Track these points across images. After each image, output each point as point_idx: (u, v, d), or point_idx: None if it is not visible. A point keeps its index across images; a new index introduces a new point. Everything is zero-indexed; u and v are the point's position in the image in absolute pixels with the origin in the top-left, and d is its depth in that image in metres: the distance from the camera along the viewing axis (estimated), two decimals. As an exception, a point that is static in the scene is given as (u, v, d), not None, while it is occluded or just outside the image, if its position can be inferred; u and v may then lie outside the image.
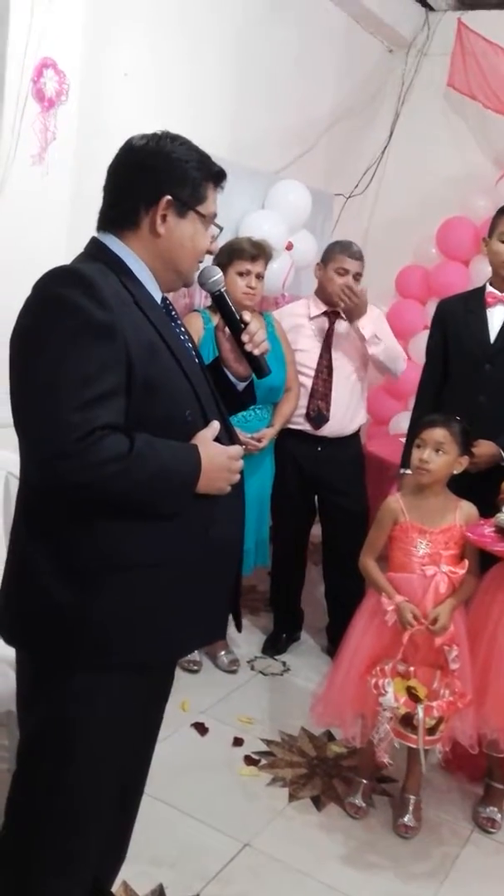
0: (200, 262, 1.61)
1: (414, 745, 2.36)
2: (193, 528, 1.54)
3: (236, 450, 1.59)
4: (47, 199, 2.67)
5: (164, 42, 3.22)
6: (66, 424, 1.34)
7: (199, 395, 1.57)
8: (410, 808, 2.52)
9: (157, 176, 1.51)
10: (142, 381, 1.44)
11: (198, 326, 3.00)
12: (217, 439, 1.57)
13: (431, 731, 2.34)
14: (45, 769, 1.56)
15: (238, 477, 1.59)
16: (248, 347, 1.69)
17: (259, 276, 3.04)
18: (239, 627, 1.93)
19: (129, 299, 1.48)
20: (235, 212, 3.54)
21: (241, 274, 3.00)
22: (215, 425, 1.57)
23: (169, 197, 1.50)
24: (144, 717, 1.73)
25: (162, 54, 3.22)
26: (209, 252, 1.61)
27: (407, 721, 2.32)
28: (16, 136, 2.56)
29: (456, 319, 3.05)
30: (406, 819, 2.50)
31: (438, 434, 2.43)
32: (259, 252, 3.03)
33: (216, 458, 1.53)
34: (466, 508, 2.50)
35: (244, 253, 3.00)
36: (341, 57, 4.38)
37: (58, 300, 1.41)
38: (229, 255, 3.01)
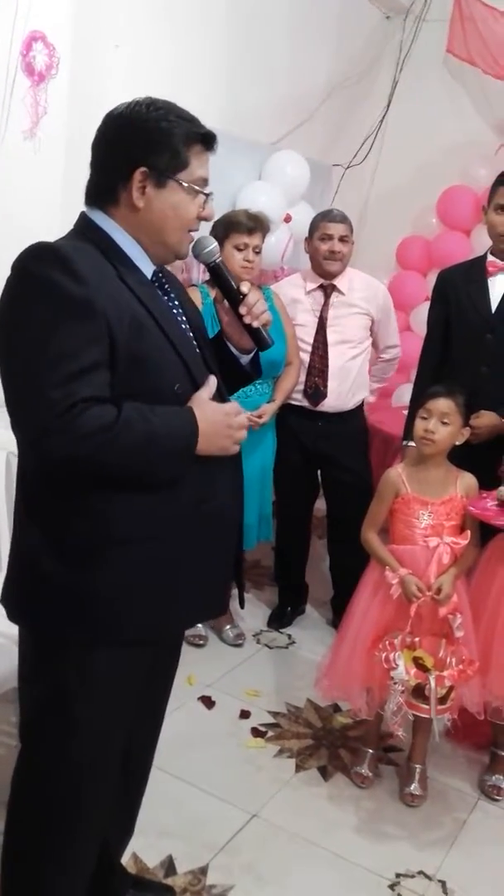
0: (193, 231, 1.56)
1: (426, 716, 2.36)
2: (189, 501, 1.52)
3: (233, 406, 1.55)
4: (40, 174, 2.65)
5: (156, 12, 3.16)
6: (47, 401, 1.33)
7: (192, 370, 1.54)
8: (417, 776, 2.54)
9: (131, 147, 1.47)
10: (126, 355, 1.42)
11: (196, 302, 2.97)
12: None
13: (442, 700, 2.35)
14: (48, 744, 1.57)
15: (243, 434, 1.56)
16: (247, 319, 1.64)
17: (256, 250, 3.00)
18: (242, 603, 1.93)
19: (112, 274, 1.45)
20: (232, 184, 3.50)
21: (238, 248, 2.96)
22: (212, 382, 1.54)
23: (143, 168, 1.46)
24: (148, 691, 1.73)
25: (154, 25, 3.17)
26: (203, 219, 1.56)
27: (418, 692, 2.33)
28: (6, 112, 2.54)
29: (457, 289, 3.02)
30: (412, 788, 2.52)
31: (443, 405, 2.42)
32: (256, 225, 2.99)
33: (213, 417, 1.50)
34: (467, 479, 2.49)
35: (240, 226, 2.96)
36: (338, 24, 4.31)
37: (34, 278, 1.39)
38: (225, 229, 2.97)
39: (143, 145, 1.47)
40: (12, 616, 1.59)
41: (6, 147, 2.56)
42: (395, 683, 2.33)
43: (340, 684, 2.51)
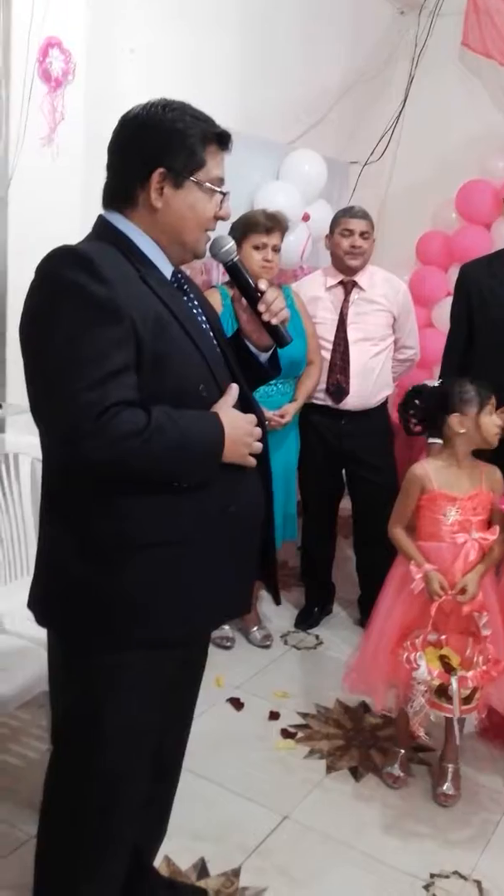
0: (210, 230, 1.57)
1: (450, 715, 2.35)
2: (215, 504, 1.52)
3: (253, 417, 1.56)
4: (59, 180, 2.65)
5: (170, 16, 3.17)
6: (80, 405, 1.34)
7: (214, 370, 1.55)
8: (449, 776, 2.51)
9: (147, 148, 1.47)
10: (151, 356, 1.42)
11: (216, 303, 2.98)
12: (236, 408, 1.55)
13: (467, 699, 2.33)
14: (78, 748, 1.57)
15: (260, 445, 1.57)
16: (266, 317, 1.64)
17: (275, 249, 3.00)
18: (277, 600, 1.93)
19: (133, 275, 1.46)
20: (249, 184, 3.50)
21: (256, 248, 2.96)
22: (234, 390, 1.55)
23: (161, 169, 1.47)
24: (176, 693, 1.73)
25: (168, 28, 3.17)
26: (220, 218, 1.56)
27: (442, 691, 2.31)
28: (24, 118, 2.55)
29: (479, 284, 3.00)
30: (445, 787, 2.49)
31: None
32: (274, 224, 2.99)
33: (237, 424, 1.51)
34: (491, 473, 2.47)
35: (259, 226, 2.96)
36: (352, 21, 4.29)
37: (59, 281, 1.40)
38: (244, 229, 2.97)
39: (159, 146, 1.47)
40: (41, 620, 1.59)
41: (24, 154, 2.57)
42: (417, 683, 2.30)
43: (366, 681, 2.50)
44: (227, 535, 1.55)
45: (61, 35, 2.60)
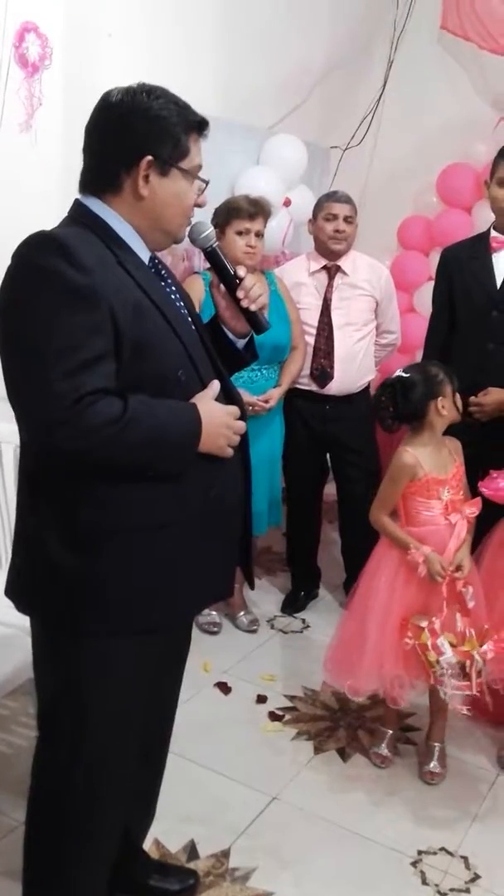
0: (189, 217, 1.57)
1: (468, 692, 2.32)
2: (195, 489, 1.53)
3: (235, 409, 1.57)
4: (37, 166, 2.63)
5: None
6: (54, 394, 1.33)
7: (192, 355, 1.55)
8: (436, 754, 2.54)
9: (135, 135, 1.46)
10: (130, 342, 1.42)
11: (199, 289, 2.97)
12: (217, 401, 1.55)
13: (478, 674, 2.33)
14: (64, 734, 1.58)
15: (238, 438, 1.57)
16: (245, 303, 1.65)
17: (259, 235, 3.00)
18: (251, 585, 1.94)
19: (111, 260, 1.45)
20: (230, 169, 3.48)
21: (239, 233, 2.96)
22: (215, 385, 1.55)
23: (149, 157, 1.46)
24: (161, 677, 1.74)
25: (146, 12, 3.14)
26: (198, 206, 1.57)
27: (459, 670, 2.31)
28: (1, 104, 2.52)
29: (461, 267, 3.00)
30: (432, 766, 2.52)
31: None
32: (257, 210, 2.98)
33: (216, 415, 1.52)
34: (453, 443, 2.51)
35: (242, 211, 2.95)
36: (331, 5, 4.26)
37: (36, 268, 1.39)
38: (227, 215, 2.97)
39: (146, 134, 1.47)
40: (21, 608, 1.59)
41: (2, 140, 2.55)
42: (443, 669, 2.28)
43: (373, 676, 2.42)
44: (208, 518, 1.56)
45: (37, 19, 2.58)
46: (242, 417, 1.60)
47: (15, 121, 2.58)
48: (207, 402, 1.52)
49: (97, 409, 1.35)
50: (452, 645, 2.31)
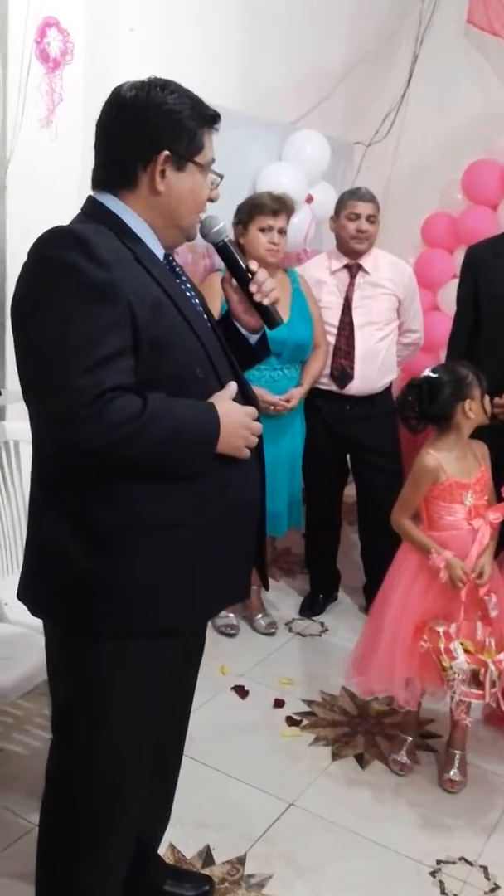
0: (202, 213, 1.56)
1: (481, 701, 2.30)
2: (211, 489, 1.50)
3: (253, 410, 1.55)
4: (57, 162, 2.61)
5: (170, -6, 3.12)
6: (74, 389, 1.31)
7: (210, 353, 1.53)
8: (456, 762, 2.50)
9: (152, 131, 1.45)
10: (149, 339, 1.40)
11: (219, 287, 2.94)
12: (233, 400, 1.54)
13: (493, 684, 2.30)
14: (79, 736, 1.56)
15: (256, 439, 1.55)
16: (258, 297, 1.63)
17: (282, 232, 2.98)
18: (266, 586, 1.92)
19: (129, 257, 1.43)
20: (252, 165, 3.45)
21: (262, 230, 2.94)
22: (232, 386, 1.54)
23: (166, 152, 1.45)
24: (176, 679, 1.72)
25: (168, 6, 3.12)
26: (210, 200, 1.56)
27: (472, 678, 2.28)
28: (22, 100, 2.51)
29: (486, 265, 2.96)
30: (452, 774, 2.48)
31: None
32: (281, 207, 2.97)
33: (234, 415, 1.50)
34: (480, 447, 2.46)
35: (265, 208, 2.94)
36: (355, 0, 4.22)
37: (54, 263, 1.37)
38: (250, 212, 2.95)
39: (163, 129, 1.45)
40: (35, 611, 1.57)
41: (23, 135, 2.53)
42: (454, 674, 2.25)
43: (383, 676, 2.43)
44: (226, 519, 1.54)
45: (59, 15, 2.55)
46: (257, 418, 1.58)
47: (36, 116, 2.56)
48: (226, 402, 1.50)
49: (117, 405, 1.33)
50: (468, 652, 2.27)
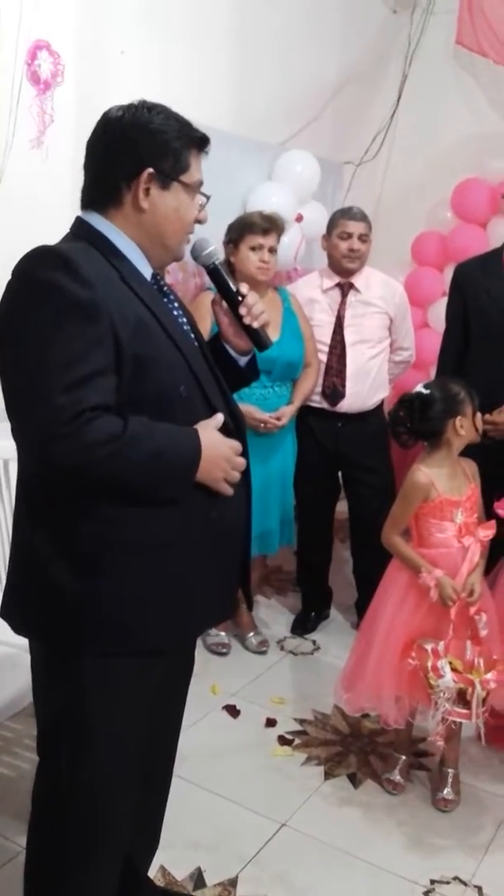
0: (189, 234, 1.56)
1: (468, 721, 2.30)
2: (195, 510, 1.50)
3: (238, 445, 1.54)
4: (48, 183, 2.63)
5: (160, 16, 3.14)
6: (55, 407, 1.32)
7: (196, 372, 1.53)
8: (449, 781, 2.48)
9: (137, 149, 1.47)
10: (131, 357, 1.41)
11: (209, 306, 2.95)
12: (224, 424, 1.54)
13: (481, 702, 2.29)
14: (63, 757, 1.55)
15: (237, 475, 1.54)
16: (247, 320, 1.64)
17: (272, 250, 3.00)
18: (250, 606, 1.92)
19: (114, 276, 1.44)
20: (242, 185, 3.47)
21: (253, 248, 2.96)
22: (219, 417, 1.53)
23: (150, 170, 1.47)
24: (163, 699, 1.71)
25: (158, 29, 3.15)
26: (198, 222, 1.56)
27: (459, 697, 2.27)
28: (13, 121, 2.53)
29: (475, 283, 2.98)
30: (445, 793, 2.46)
31: None
32: (271, 225, 2.98)
33: (217, 446, 1.49)
34: (470, 465, 2.46)
35: (255, 227, 2.95)
36: (344, 21, 4.26)
37: (37, 282, 1.38)
38: (240, 230, 2.97)
39: (148, 147, 1.47)
40: (17, 628, 1.56)
41: (14, 156, 2.54)
42: (440, 692, 2.24)
43: (372, 694, 2.42)
44: (210, 539, 1.54)
45: (50, 37, 2.58)
46: (244, 450, 1.58)
47: (27, 137, 2.58)
48: (210, 431, 1.50)
49: (97, 425, 1.34)
50: (456, 670, 2.26)
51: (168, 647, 1.58)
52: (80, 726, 1.52)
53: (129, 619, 1.48)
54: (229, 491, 1.53)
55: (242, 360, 1.74)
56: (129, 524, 1.45)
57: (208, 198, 1.56)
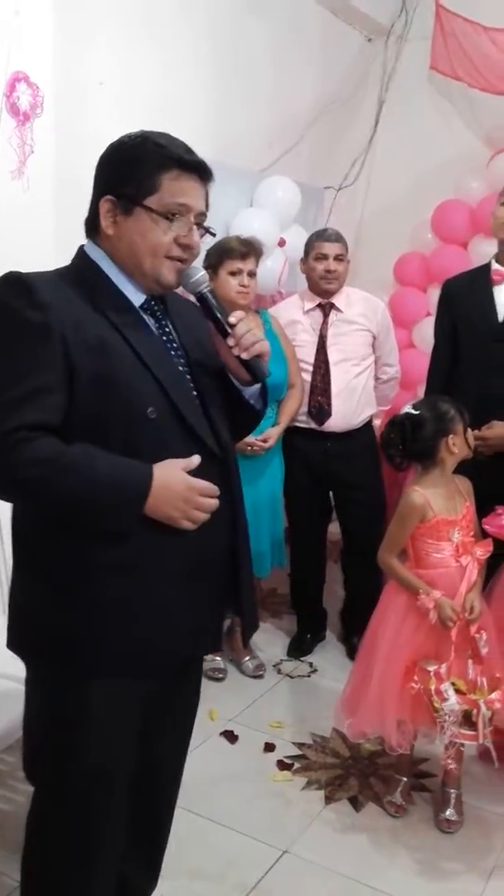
0: (175, 258, 1.51)
1: (474, 742, 2.26)
2: (168, 531, 1.46)
3: (206, 486, 1.46)
4: (30, 213, 2.64)
5: (139, 47, 3.18)
6: None
7: (172, 396, 1.49)
8: (452, 802, 2.45)
9: (101, 177, 1.53)
10: (92, 376, 1.41)
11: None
12: (207, 450, 1.52)
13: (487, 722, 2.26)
14: (50, 779, 1.55)
15: (201, 514, 1.47)
16: (236, 352, 1.57)
17: (251, 274, 3.00)
18: (245, 642, 1.89)
19: (81, 299, 1.46)
20: (223, 212, 3.49)
21: (232, 273, 2.96)
22: (194, 460, 1.47)
23: (109, 197, 1.49)
24: (157, 726, 1.69)
25: (137, 59, 3.19)
26: (185, 245, 1.51)
27: (465, 719, 2.24)
28: (-6, 152, 2.54)
29: (463, 299, 3.00)
30: (448, 814, 2.43)
31: None
32: (248, 249, 2.99)
33: (172, 484, 1.43)
34: (464, 483, 2.45)
35: (233, 252, 2.96)
36: (320, 49, 4.33)
37: None
38: (219, 256, 2.97)
39: (112, 175, 1.51)
40: (12, 648, 1.59)
41: (-5, 187, 2.56)
42: (445, 715, 2.20)
43: (374, 718, 2.37)
44: (189, 563, 1.51)
45: (28, 69, 2.60)
46: (231, 479, 1.58)
47: (7, 168, 2.59)
48: (171, 470, 1.44)
49: (33, 446, 1.35)
50: (460, 692, 2.23)
51: (146, 671, 1.54)
52: (62, 749, 1.52)
53: (97, 642, 1.48)
54: (191, 527, 1.47)
55: (248, 391, 1.67)
56: (96, 548, 1.45)
57: (172, 219, 1.48)
